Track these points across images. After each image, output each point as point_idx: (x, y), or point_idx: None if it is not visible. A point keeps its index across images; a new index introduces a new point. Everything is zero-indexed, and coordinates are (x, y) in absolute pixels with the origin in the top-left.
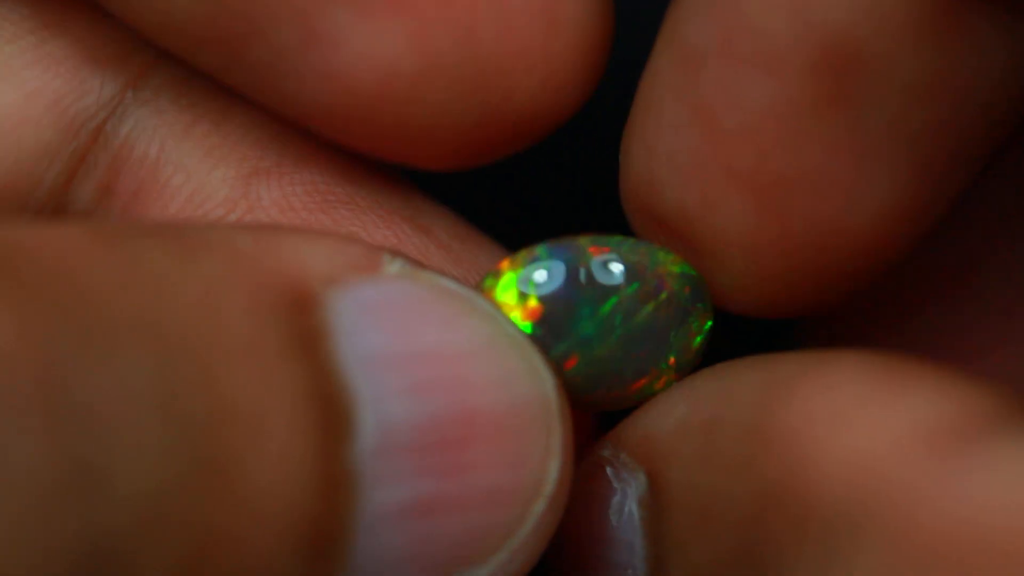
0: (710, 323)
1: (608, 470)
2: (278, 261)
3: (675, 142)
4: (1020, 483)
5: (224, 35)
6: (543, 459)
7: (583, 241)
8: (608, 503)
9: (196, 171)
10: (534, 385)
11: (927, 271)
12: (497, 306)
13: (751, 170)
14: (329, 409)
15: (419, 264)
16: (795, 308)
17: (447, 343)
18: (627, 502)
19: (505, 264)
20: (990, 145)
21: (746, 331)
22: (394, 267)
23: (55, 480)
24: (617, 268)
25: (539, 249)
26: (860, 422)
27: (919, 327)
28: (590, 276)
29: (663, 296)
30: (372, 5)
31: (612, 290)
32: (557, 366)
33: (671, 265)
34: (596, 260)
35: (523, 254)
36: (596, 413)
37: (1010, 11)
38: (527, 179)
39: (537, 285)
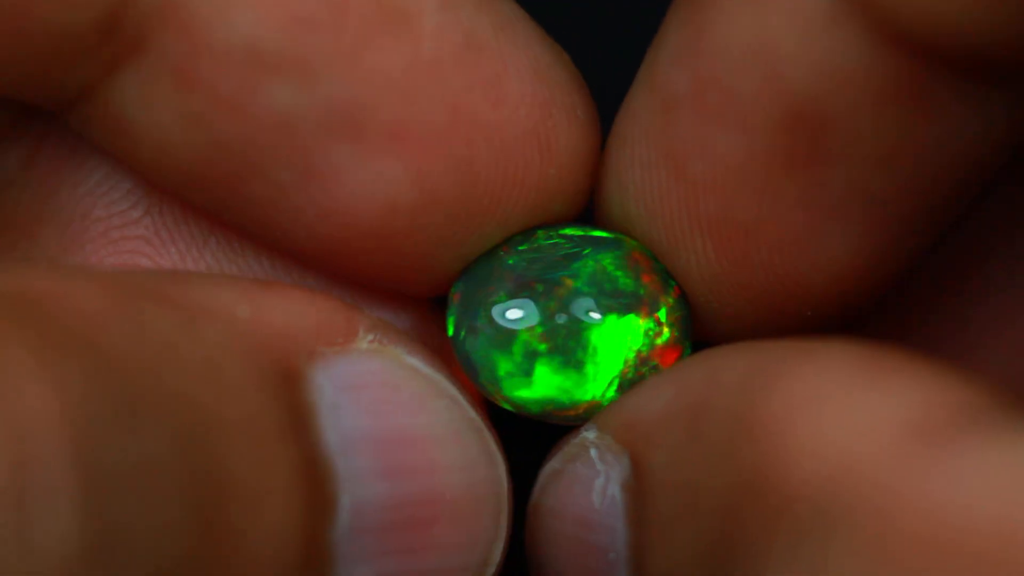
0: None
1: (592, 452)
2: (271, 330)
3: (645, 181)
4: (995, 480)
5: (221, 174)
6: (491, 541)
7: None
8: (592, 486)
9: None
10: (490, 470)
11: (929, 269)
12: (459, 387)
13: (714, 218)
14: (316, 488)
15: (392, 335)
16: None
17: (415, 426)
18: (610, 486)
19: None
20: (955, 206)
21: None
22: (366, 341)
23: (82, 554)
24: (596, 316)
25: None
26: (840, 413)
27: (920, 324)
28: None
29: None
30: (371, 141)
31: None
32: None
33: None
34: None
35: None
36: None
37: (975, 82)
38: None
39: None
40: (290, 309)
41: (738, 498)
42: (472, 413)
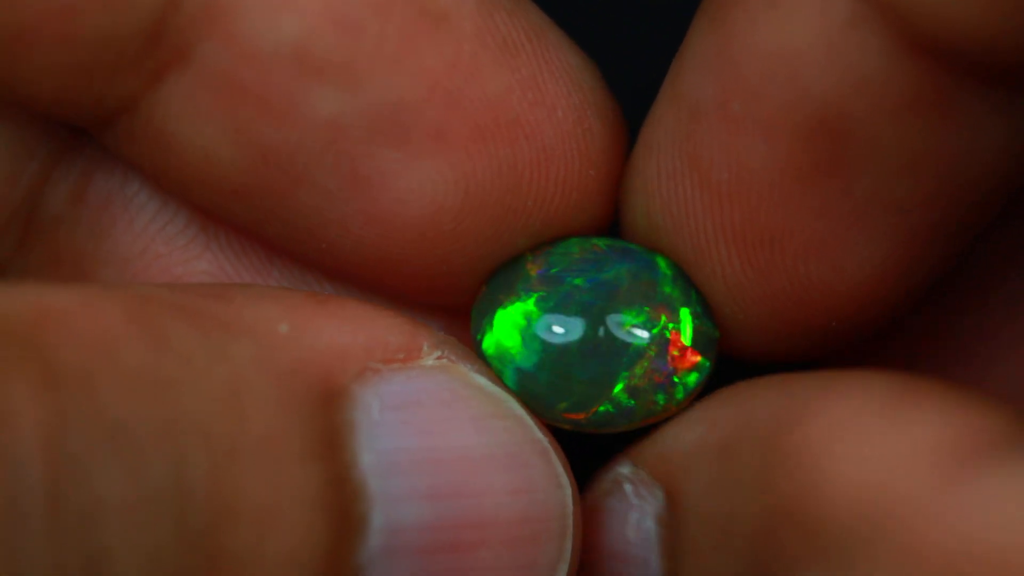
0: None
1: (627, 487)
2: (314, 348)
3: (671, 189)
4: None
5: (267, 184)
6: (553, 564)
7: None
8: (626, 519)
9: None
10: (553, 493)
11: (948, 286)
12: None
13: (738, 226)
14: (343, 510)
15: (459, 352)
16: (781, 357)
17: (471, 446)
18: (645, 519)
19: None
20: (980, 216)
21: None
22: (431, 358)
23: None
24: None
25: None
26: (872, 441)
27: (938, 342)
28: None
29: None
30: (417, 144)
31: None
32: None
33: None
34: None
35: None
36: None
37: (1003, 89)
38: None
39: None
40: (341, 325)
41: (773, 524)
42: (538, 434)
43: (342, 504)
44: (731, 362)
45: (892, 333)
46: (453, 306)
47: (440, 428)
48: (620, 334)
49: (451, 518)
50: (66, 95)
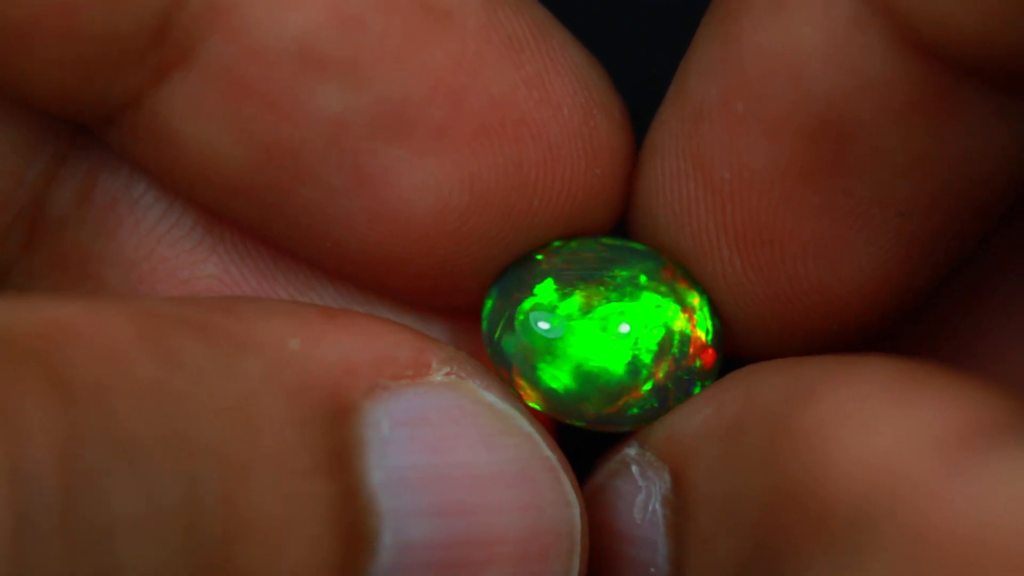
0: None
1: (634, 468)
2: (324, 364)
3: (674, 189)
4: None
5: (271, 181)
6: None
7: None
8: (633, 501)
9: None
10: (561, 511)
11: (952, 285)
12: (537, 426)
13: (740, 226)
14: (353, 527)
15: (469, 368)
16: (782, 354)
17: (480, 464)
18: (652, 501)
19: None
20: (983, 220)
21: None
22: (440, 374)
23: None
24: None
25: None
26: (880, 425)
27: (941, 339)
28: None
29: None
30: (421, 141)
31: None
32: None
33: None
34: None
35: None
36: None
37: (1007, 92)
38: None
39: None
40: (351, 341)
41: (778, 507)
42: (547, 451)
43: (352, 521)
44: (732, 360)
45: (893, 334)
46: (459, 307)
47: (449, 445)
48: (643, 332)
49: (460, 535)
50: (69, 92)
